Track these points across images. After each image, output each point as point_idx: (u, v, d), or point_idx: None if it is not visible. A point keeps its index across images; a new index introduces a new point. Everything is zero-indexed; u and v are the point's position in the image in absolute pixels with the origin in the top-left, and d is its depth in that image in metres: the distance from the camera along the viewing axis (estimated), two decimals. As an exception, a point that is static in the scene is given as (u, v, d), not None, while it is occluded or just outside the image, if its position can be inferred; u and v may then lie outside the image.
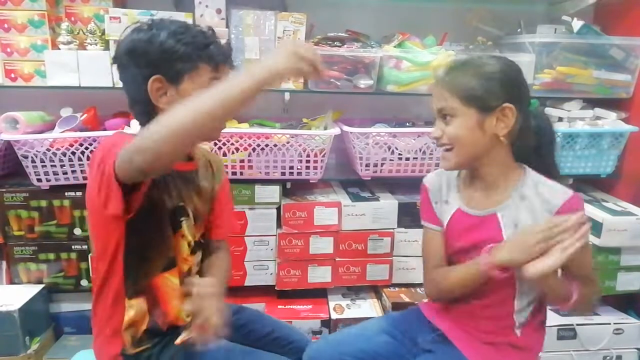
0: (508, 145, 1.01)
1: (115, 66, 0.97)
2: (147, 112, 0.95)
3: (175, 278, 1.01)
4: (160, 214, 0.97)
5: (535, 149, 1.04)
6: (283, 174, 1.63)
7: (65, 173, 1.51)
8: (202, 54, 0.93)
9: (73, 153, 1.48)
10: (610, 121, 1.74)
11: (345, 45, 1.64)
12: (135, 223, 0.92)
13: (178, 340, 1.01)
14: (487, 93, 0.96)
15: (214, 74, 0.95)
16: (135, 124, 1.41)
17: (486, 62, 0.99)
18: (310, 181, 1.66)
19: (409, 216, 1.69)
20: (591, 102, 1.77)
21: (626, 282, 1.70)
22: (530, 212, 0.99)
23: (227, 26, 1.58)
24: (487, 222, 1.03)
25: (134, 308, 0.97)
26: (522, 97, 1.00)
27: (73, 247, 1.59)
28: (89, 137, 1.48)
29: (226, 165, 1.58)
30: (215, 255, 1.16)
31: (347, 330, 1.27)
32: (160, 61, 0.91)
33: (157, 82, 0.92)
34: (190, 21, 1.53)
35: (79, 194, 1.55)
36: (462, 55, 1.06)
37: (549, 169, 1.05)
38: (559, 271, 1.00)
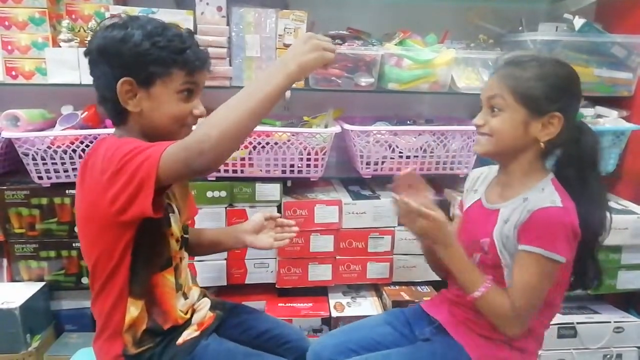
0: (542, 151, 1.01)
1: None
2: (116, 111, 0.94)
3: (172, 276, 1.01)
4: (162, 210, 0.96)
5: (575, 162, 1.01)
6: (284, 172, 1.63)
7: (66, 171, 1.51)
8: (177, 59, 0.90)
9: (74, 151, 1.48)
10: (612, 119, 1.73)
11: (347, 43, 1.64)
12: (144, 222, 0.89)
13: (180, 340, 1.01)
14: (542, 97, 0.95)
15: (188, 78, 0.93)
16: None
17: (548, 65, 0.98)
18: (311, 179, 1.66)
19: (409, 214, 1.69)
20: (592, 100, 1.77)
21: (627, 281, 1.70)
22: (519, 214, 0.98)
23: (228, 24, 1.58)
24: (491, 216, 1.04)
25: (135, 308, 0.96)
26: (574, 108, 1.00)
27: (74, 244, 1.59)
28: (90, 135, 1.48)
29: (226, 163, 1.58)
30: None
31: (349, 324, 1.29)
32: (133, 63, 0.89)
33: (126, 85, 0.90)
34: (190, 19, 1.53)
35: (79, 191, 1.55)
36: (527, 52, 1.04)
37: (589, 186, 1.00)
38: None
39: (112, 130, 1.48)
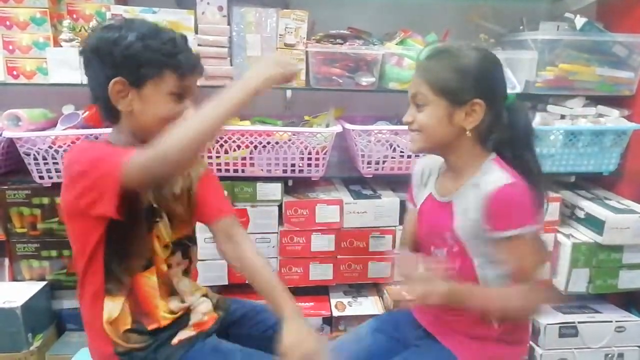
0: (475, 137, 1.01)
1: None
2: (107, 110, 0.95)
3: (154, 276, 1.01)
4: (135, 212, 0.96)
5: (510, 144, 1.03)
6: (285, 171, 1.63)
7: (67, 170, 1.52)
8: (169, 62, 0.92)
9: (75, 150, 1.49)
10: (613, 119, 1.73)
11: (347, 43, 1.64)
12: (113, 222, 0.90)
13: (175, 340, 1.01)
14: (459, 87, 0.96)
15: (179, 82, 0.94)
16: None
17: (464, 54, 0.98)
18: (312, 179, 1.66)
19: (410, 214, 1.69)
20: (594, 100, 1.77)
21: (628, 280, 1.69)
22: (475, 201, 0.98)
23: (229, 23, 1.58)
24: (445, 209, 1.04)
25: (114, 307, 0.96)
26: (496, 92, 1.00)
27: (75, 244, 1.60)
28: (91, 135, 1.48)
29: (227, 163, 1.58)
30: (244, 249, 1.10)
31: (338, 340, 1.27)
32: (124, 64, 0.90)
33: (118, 85, 0.91)
34: (191, 19, 1.53)
35: (81, 191, 1.56)
36: (443, 43, 1.06)
37: (527, 164, 1.03)
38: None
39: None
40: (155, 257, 1.02)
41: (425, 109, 0.99)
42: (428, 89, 0.98)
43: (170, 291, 1.05)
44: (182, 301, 1.07)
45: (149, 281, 1.00)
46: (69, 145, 1.48)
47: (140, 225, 0.98)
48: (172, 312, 1.03)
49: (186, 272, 1.11)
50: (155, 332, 1.00)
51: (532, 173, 1.02)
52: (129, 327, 0.97)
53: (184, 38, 0.97)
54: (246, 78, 0.86)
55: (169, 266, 1.06)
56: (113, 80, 0.90)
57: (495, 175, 0.97)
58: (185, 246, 1.11)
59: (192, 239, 1.15)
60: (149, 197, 0.99)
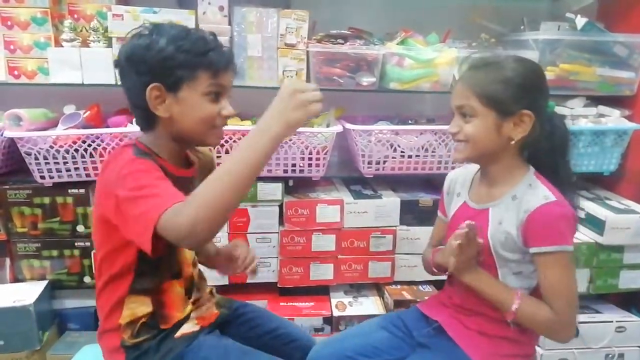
0: (519, 148, 1.03)
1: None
2: (146, 117, 0.95)
3: (181, 287, 1.04)
4: None
5: (547, 152, 1.04)
6: (285, 171, 1.63)
7: (68, 170, 1.52)
8: (202, 61, 0.91)
9: (76, 150, 1.49)
10: (614, 119, 1.73)
11: (348, 43, 1.64)
12: None
13: (178, 334, 1.02)
14: (507, 98, 0.97)
15: (214, 80, 0.93)
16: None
17: (510, 65, 0.99)
18: (313, 179, 1.66)
19: (411, 214, 1.69)
20: (595, 100, 1.77)
21: (629, 280, 1.69)
22: (514, 212, 1.00)
23: (230, 23, 1.58)
24: (481, 216, 1.05)
25: (139, 306, 0.99)
26: (542, 103, 1.01)
27: (76, 244, 1.60)
28: (92, 134, 1.48)
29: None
30: None
31: (346, 331, 1.30)
32: (159, 69, 0.90)
33: (155, 90, 0.91)
34: (192, 19, 1.53)
35: (82, 191, 1.56)
36: (487, 54, 1.05)
37: (561, 172, 1.04)
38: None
39: (114, 130, 1.50)
40: (184, 267, 1.04)
41: (473, 120, 1.00)
42: (476, 100, 0.98)
43: (190, 293, 1.08)
44: (194, 303, 1.09)
45: (176, 289, 1.03)
46: (70, 145, 1.48)
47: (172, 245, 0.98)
48: (185, 312, 1.05)
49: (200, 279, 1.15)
50: (164, 329, 1.02)
51: (566, 181, 1.03)
52: (144, 321, 1.00)
53: (214, 35, 0.97)
54: (266, 125, 0.79)
55: (194, 264, 1.10)
56: (150, 87, 0.90)
57: (539, 191, 0.99)
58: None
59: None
60: None
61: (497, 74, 0.98)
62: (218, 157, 1.57)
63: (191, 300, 1.08)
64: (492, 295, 1.02)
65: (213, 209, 0.75)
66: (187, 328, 1.04)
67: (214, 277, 1.61)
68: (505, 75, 0.98)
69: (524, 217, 0.97)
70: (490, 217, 1.03)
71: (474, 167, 1.14)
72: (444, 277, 1.22)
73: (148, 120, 0.96)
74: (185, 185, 1.00)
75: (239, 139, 1.54)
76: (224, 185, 0.76)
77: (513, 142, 0.99)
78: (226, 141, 1.54)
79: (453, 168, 1.68)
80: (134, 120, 1.50)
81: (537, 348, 1.63)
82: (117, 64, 0.96)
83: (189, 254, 1.07)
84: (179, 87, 0.92)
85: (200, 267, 1.19)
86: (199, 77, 0.92)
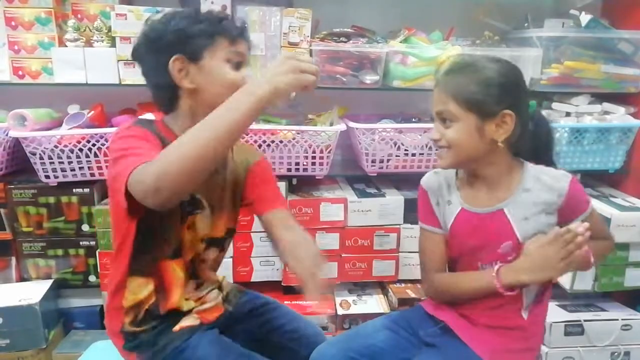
0: (506, 147, 1.02)
1: (134, 63, 0.99)
2: (170, 97, 0.96)
3: (180, 268, 1.02)
4: None
5: (532, 151, 1.05)
6: (289, 170, 1.63)
7: (73, 170, 1.52)
8: (218, 27, 0.93)
9: (80, 150, 1.49)
10: (619, 116, 1.72)
11: (351, 41, 1.64)
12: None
13: (177, 327, 1.02)
14: (487, 99, 0.96)
15: (232, 47, 0.94)
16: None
17: (487, 66, 0.98)
18: (316, 177, 1.66)
19: (415, 212, 1.66)
20: (599, 97, 1.76)
21: (635, 278, 1.68)
22: (535, 203, 1.01)
23: (233, 22, 1.58)
24: (495, 218, 1.03)
25: (144, 289, 0.99)
26: (522, 102, 1.00)
27: (81, 243, 1.61)
28: (96, 134, 1.49)
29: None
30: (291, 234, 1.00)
31: (349, 331, 1.27)
32: (177, 41, 0.91)
33: (178, 63, 0.92)
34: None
35: (86, 190, 1.57)
36: (462, 56, 1.06)
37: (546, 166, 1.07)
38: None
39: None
40: (184, 248, 1.02)
41: (453, 125, 0.98)
42: (455, 104, 0.97)
43: (192, 279, 1.07)
44: (198, 288, 1.08)
45: (175, 272, 1.02)
46: (74, 145, 1.49)
47: (173, 215, 0.98)
48: (186, 299, 1.05)
49: (216, 262, 1.13)
50: (168, 317, 1.02)
51: None
52: (147, 307, 1.00)
53: (225, 8, 1.00)
54: (253, 85, 0.78)
55: (203, 261, 1.08)
56: (172, 59, 0.91)
57: (553, 173, 1.03)
58: (219, 240, 1.11)
59: (234, 232, 1.16)
60: None
61: (474, 76, 0.97)
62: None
63: (195, 287, 1.07)
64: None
65: (179, 165, 0.72)
66: (187, 322, 1.03)
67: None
68: (482, 76, 0.96)
69: (562, 200, 1.00)
70: (509, 216, 1.02)
71: (450, 172, 1.12)
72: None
73: (172, 100, 0.96)
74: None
75: (242, 137, 1.54)
76: (194, 142, 0.74)
77: (499, 143, 0.98)
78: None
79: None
80: (138, 116, 1.51)
81: (542, 346, 1.63)
82: (133, 52, 0.97)
83: (194, 234, 1.03)
84: (201, 56, 0.92)
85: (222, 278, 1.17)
86: (218, 43, 0.93)
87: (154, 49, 0.93)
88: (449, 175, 1.12)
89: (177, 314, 1.03)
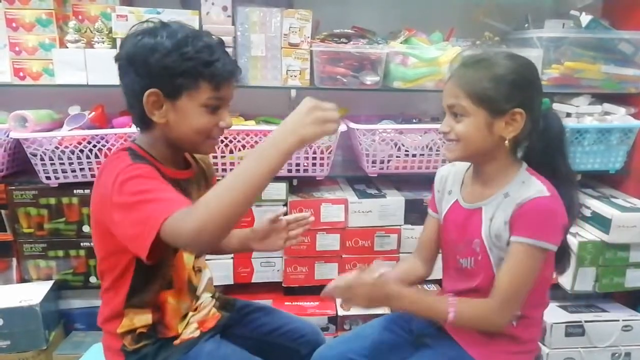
0: (512, 146, 1.01)
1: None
2: (141, 119, 0.93)
3: (173, 299, 1.02)
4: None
5: (543, 150, 1.03)
6: (290, 171, 1.63)
7: (73, 171, 1.53)
8: (205, 71, 0.88)
9: (81, 151, 1.50)
10: (619, 116, 1.72)
11: (351, 42, 1.64)
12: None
13: (177, 341, 1.01)
14: (498, 97, 0.95)
15: (215, 93, 0.91)
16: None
17: (501, 62, 0.97)
18: (317, 178, 1.66)
19: (415, 213, 1.69)
20: (600, 98, 1.76)
21: (635, 279, 1.69)
22: (504, 208, 0.99)
23: (233, 23, 1.58)
24: (474, 215, 1.04)
25: (140, 319, 0.98)
26: (534, 100, 0.99)
27: (82, 244, 1.61)
28: (97, 135, 1.49)
29: (232, 163, 1.58)
30: None
31: (349, 333, 1.28)
32: (159, 75, 0.87)
33: (152, 96, 0.89)
34: (196, 19, 1.53)
35: (87, 191, 1.56)
36: (477, 51, 1.04)
37: (561, 170, 1.03)
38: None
39: (119, 131, 1.50)
40: (177, 276, 1.02)
41: (464, 119, 0.98)
42: (467, 99, 0.96)
43: (186, 297, 1.06)
44: (193, 300, 1.08)
45: (172, 301, 1.01)
46: (75, 146, 1.49)
47: (168, 252, 0.96)
48: (183, 317, 1.04)
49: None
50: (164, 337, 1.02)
51: (564, 176, 1.02)
52: (144, 332, 0.99)
53: (221, 43, 0.94)
54: (280, 137, 0.77)
55: (198, 271, 1.08)
56: (148, 92, 0.88)
57: (533, 186, 0.97)
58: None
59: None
60: None
61: (488, 72, 0.96)
62: (222, 156, 1.58)
63: (188, 308, 1.07)
64: (425, 311, 1.01)
65: (220, 216, 0.74)
66: (187, 334, 1.03)
67: (218, 277, 1.62)
68: (496, 73, 0.95)
69: (514, 209, 0.96)
70: (483, 216, 1.02)
71: (464, 165, 1.12)
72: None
73: (143, 122, 0.94)
74: (182, 187, 0.99)
75: (243, 138, 1.55)
76: (232, 193, 0.75)
77: (506, 141, 0.98)
78: (230, 141, 1.55)
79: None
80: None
81: (543, 347, 1.63)
82: (117, 58, 0.93)
83: (186, 261, 1.04)
84: (179, 96, 0.90)
85: (207, 270, 1.17)
86: (201, 87, 0.90)
87: (134, 71, 0.90)
88: (461, 168, 1.13)
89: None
